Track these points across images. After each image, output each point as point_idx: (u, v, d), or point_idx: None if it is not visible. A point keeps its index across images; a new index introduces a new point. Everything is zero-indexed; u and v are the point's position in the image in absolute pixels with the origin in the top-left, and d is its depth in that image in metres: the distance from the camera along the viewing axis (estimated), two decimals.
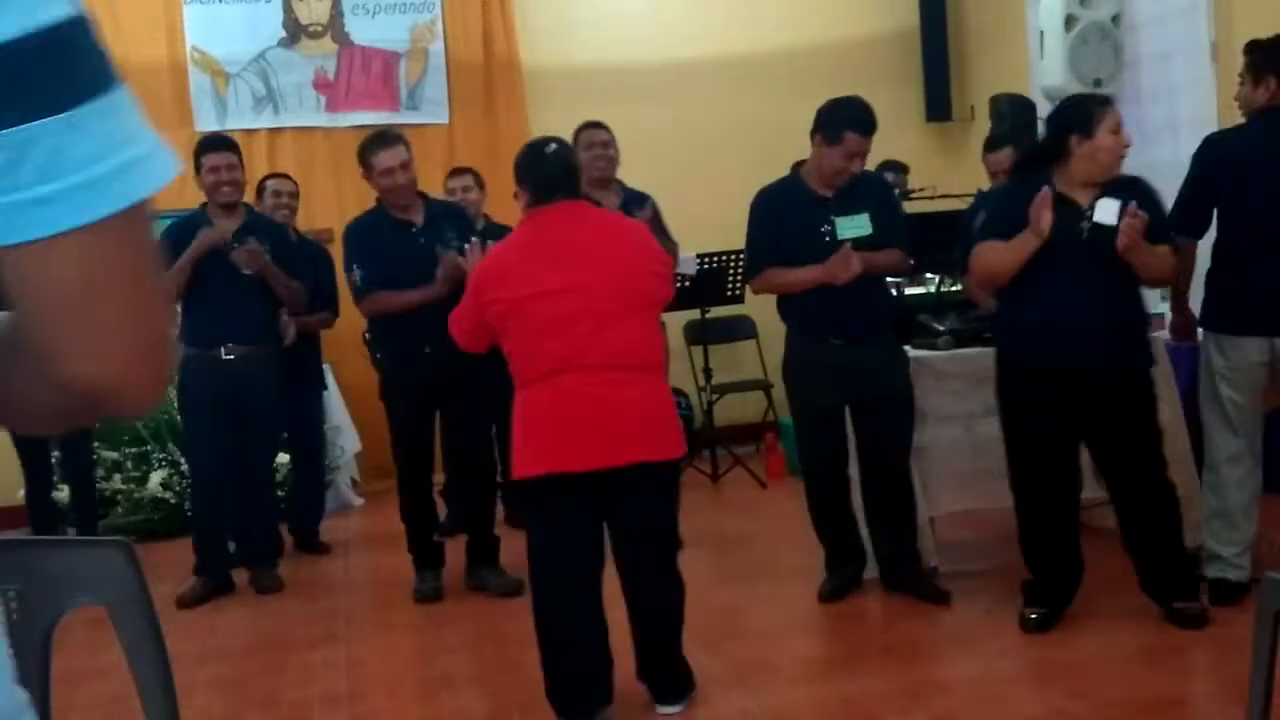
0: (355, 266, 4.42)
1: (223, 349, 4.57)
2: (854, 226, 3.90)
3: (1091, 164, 3.50)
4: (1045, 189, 3.46)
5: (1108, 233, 3.42)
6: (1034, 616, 3.65)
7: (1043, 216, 3.41)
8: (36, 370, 0.70)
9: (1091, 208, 3.48)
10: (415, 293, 4.27)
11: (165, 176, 0.68)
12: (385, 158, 4.33)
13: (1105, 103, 3.65)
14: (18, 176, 0.64)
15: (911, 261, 4.27)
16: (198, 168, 4.62)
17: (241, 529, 5.08)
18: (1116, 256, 3.41)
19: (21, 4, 0.63)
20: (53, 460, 5.47)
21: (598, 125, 4.94)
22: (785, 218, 3.99)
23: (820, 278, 3.89)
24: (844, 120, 3.89)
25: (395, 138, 4.46)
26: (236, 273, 4.54)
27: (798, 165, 4.13)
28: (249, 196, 5.07)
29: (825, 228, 3.93)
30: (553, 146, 3.24)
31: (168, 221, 4.64)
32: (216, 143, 4.74)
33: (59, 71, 0.64)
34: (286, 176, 5.66)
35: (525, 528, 3.40)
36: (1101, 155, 3.49)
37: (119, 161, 0.66)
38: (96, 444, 5.63)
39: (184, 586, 4.62)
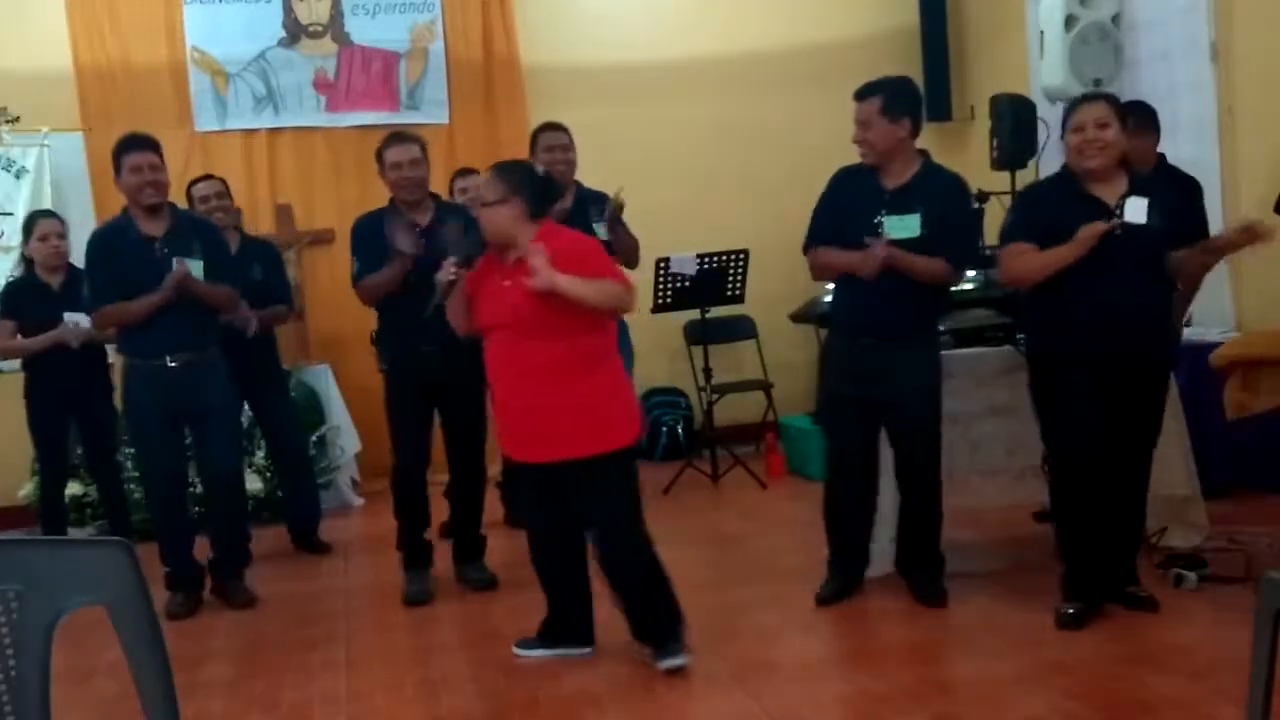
0: (354, 258, 4.54)
1: (168, 358, 4.38)
2: (903, 227, 3.83)
3: (1073, 163, 3.59)
4: (1114, 221, 3.48)
5: (1141, 231, 3.47)
6: (1070, 612, 3.65)
7: (1090, 238, 3.48)
8: None
9: (1120, 206, 3.50)
10: (389, 269, 4.34)
11: None
12: (396, 152, 4.43)
13: (1081, 100, 3.68)
14: None
15: (957, 272, 4.03)
16: (118, 169, 4.34)
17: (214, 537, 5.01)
18: (1149, 255, 3.47)
19: None
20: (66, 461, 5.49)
21: (558, 127, 4.99)
22: (849, 202, 3.95)
23: (852, 265, 3.87)
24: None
25: (411, 137, 4.54)
26: None
27: None
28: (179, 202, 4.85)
29: (877, 220, 3.88)
30: (542, 169, 3.76)
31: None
32: (136, 141, 4.38)
33: None
34: (211, 177, 5.45)
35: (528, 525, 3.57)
36: (1071, 155, 3.59)
37: None
38: (118, 443, 5.61)
39: (163, 599, 4.49)
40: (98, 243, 4.41)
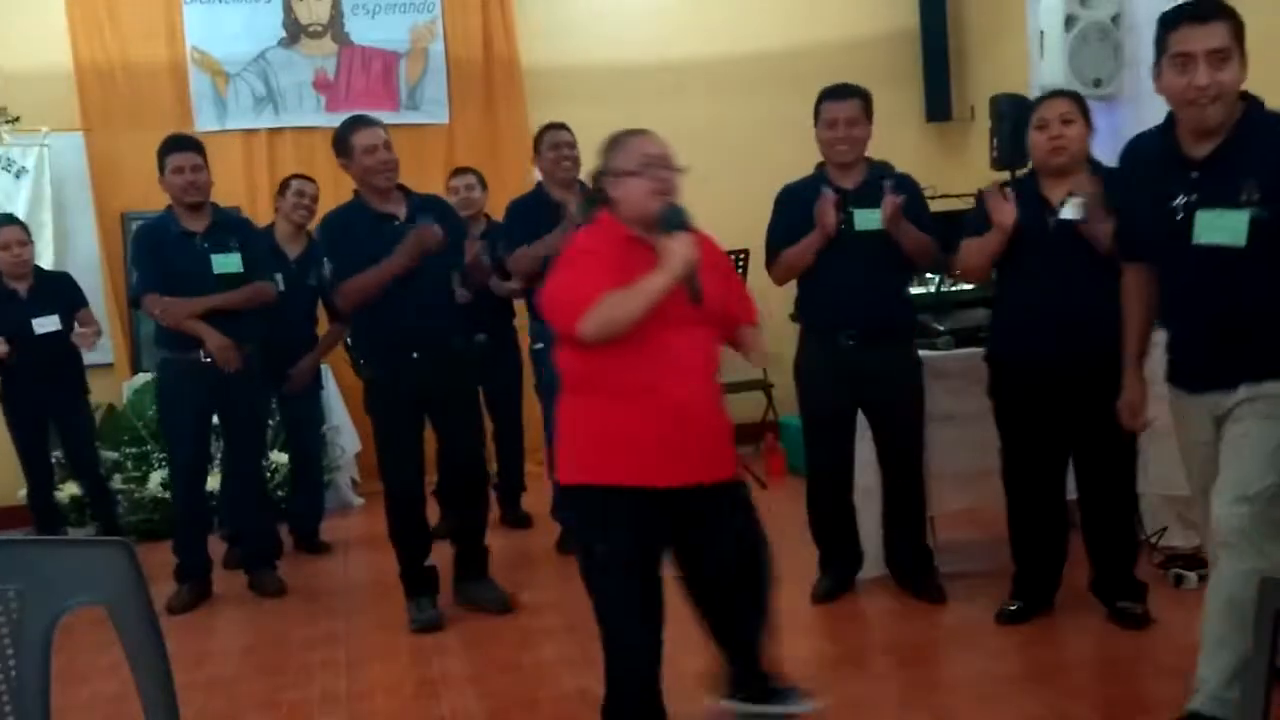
0: (326, 260, 4.16)
1: (201, 352, 4.49)
2: (870, 220, 3.88)
3: (1037, 161, 3.60)
4: (1002, 187, 3.60)
5: (1074, 229, 3.46)
6: (1011, 609, 3.74)
7: (1002, 210, 3.54)
8: None
9: (1062, 203, 3.50)
10: (379, 268, 3.96)
11: None
12: (368, 135, 4.03)
13: (1044, 98, 3.68)
14: None
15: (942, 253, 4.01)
16: (161, 168, 4.53)
17: (235, 532, 5.09)
18: (1090, 252, 3.42)
19: None
20: (53, 461, 5.48)
21: (561, 127, 4.94)
22: (805, 211, 3.96)
23: (811, 241, 3.91)
24: (820, 98, 4.05)
25: (373, 119, 4.16)
26: (209, 276, 4.49)
27: (822, 164, 4.12)
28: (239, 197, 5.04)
29: (842, 217, 3.92)
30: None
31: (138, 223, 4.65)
32: (180, 142, 4.61)
33: None
34: (310, 179, 5.52)
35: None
36: (1034, 152, 3.59)
37: None
38: (96, 444, 5.61)
39: (169, 592, 4.60)
40: (143, 236, 4.65)
